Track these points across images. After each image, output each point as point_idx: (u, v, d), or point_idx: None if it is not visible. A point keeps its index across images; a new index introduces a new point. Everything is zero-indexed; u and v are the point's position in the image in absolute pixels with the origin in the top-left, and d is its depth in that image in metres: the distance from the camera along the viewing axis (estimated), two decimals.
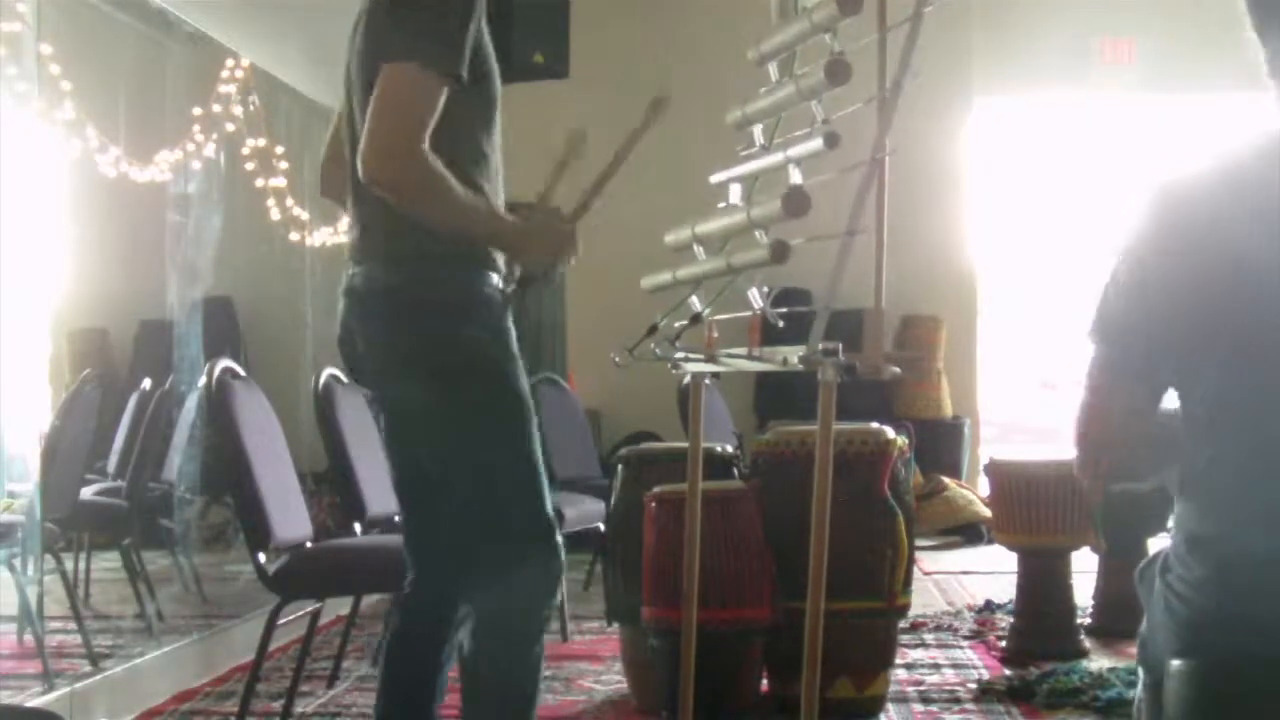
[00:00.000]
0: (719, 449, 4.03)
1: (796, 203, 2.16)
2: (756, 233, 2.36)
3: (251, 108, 6.08)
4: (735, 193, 2.61)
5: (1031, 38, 8.46)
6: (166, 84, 5.92)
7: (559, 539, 2.58)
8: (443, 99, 2.40)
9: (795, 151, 2.28)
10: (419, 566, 2.72)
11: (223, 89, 5.96)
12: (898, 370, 2.01)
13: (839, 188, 2.15)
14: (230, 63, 5.93)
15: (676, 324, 2.71)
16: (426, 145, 2.38)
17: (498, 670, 2.57)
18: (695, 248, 2.63)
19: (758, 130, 2.55)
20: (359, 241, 2.60)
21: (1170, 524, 1.83)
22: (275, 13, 5.65)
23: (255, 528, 3.36)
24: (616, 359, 2.76)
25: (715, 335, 2.70)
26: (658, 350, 2.75)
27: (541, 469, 2.57)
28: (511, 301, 2.60)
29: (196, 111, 5.87)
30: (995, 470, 4.62)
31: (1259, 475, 1.66)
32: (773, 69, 2.50)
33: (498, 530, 2.57)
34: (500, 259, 2.60)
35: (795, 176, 2.29)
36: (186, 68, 5.90)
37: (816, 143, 2.19)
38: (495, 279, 2.58)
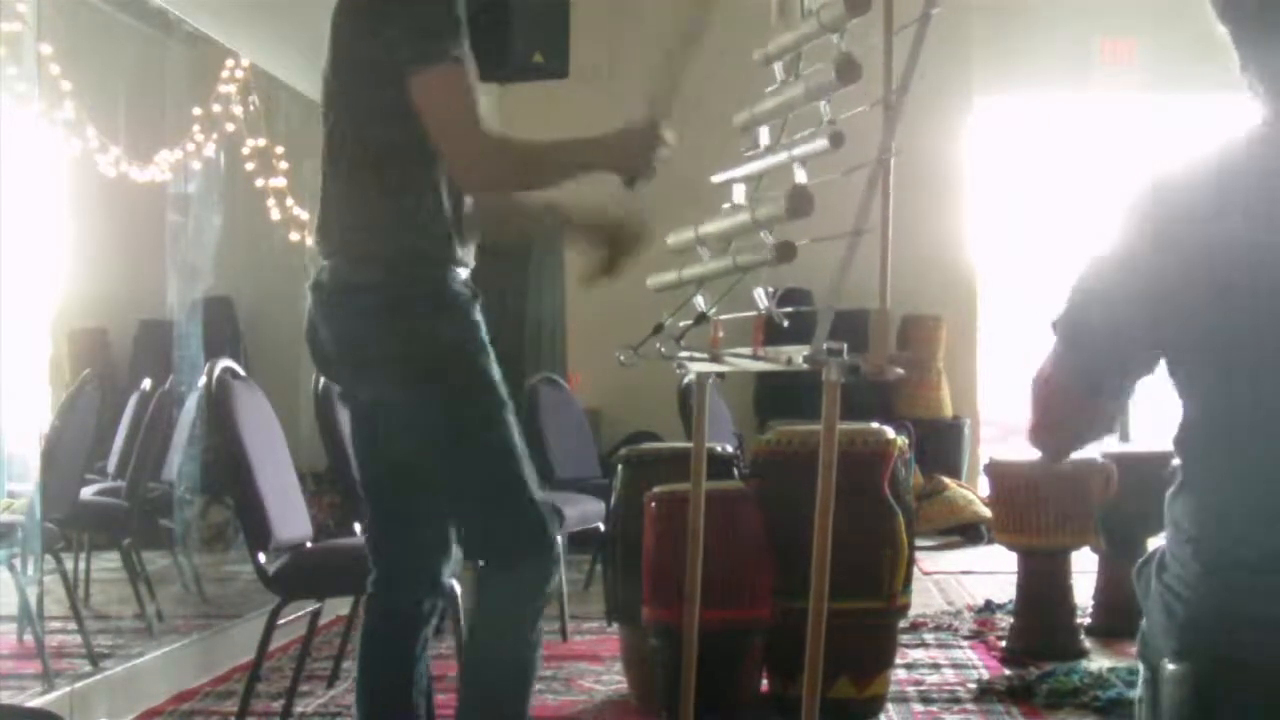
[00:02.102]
0: (719, 449, 4.03)
1: (800, 203, 2.16)
2: (761, 233, 2.36)
3: (251, 108, 6.08)
4: (739, 193, 2.62)
5: (1031, 38, 8.45)
6: (166, 84, 5.92)
7: (551, 528, 2.58)
8: (475, 79, 2.45)
9: (800, 151, 2.28)
10: (387, 561, 2.72)
11: (223, 89, 5.96)
12: (902, 371, 2.01)
13: (844, 188, 2.15)
14: (230, 63, 5.93)
15: (681, 323, 2.71)
16: (486, 125, 2.45)
17: (492, 659, 2.59)
18: (698, 248, 2.63)
19: (763, 131, 2.55)
20: (326, 236, 2.61)
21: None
22: (275, 13, 5.65)
23: (255, 528, 3.35)
24: (621, 358, 2.76)
25: (721, 335, 2.70)
26: (663, 349, 2.75)
27: (523, 457, 2.57)
28: (478, 291, 2.61)
29: (196, 111, 5.87)
30: (995, 470, 4.62)
31: (1254, 475, 1.65)
32: (778, 69, 2.50)
33: (485, 522, 2.57)
34: (466, 253, 2.61)
35: (800, 176, 2.29)
36: (186, 68, 5.90)
37: (821, 142, 2.19)
38: (462, 274, 2.59)
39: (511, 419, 2.58)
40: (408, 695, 2.68)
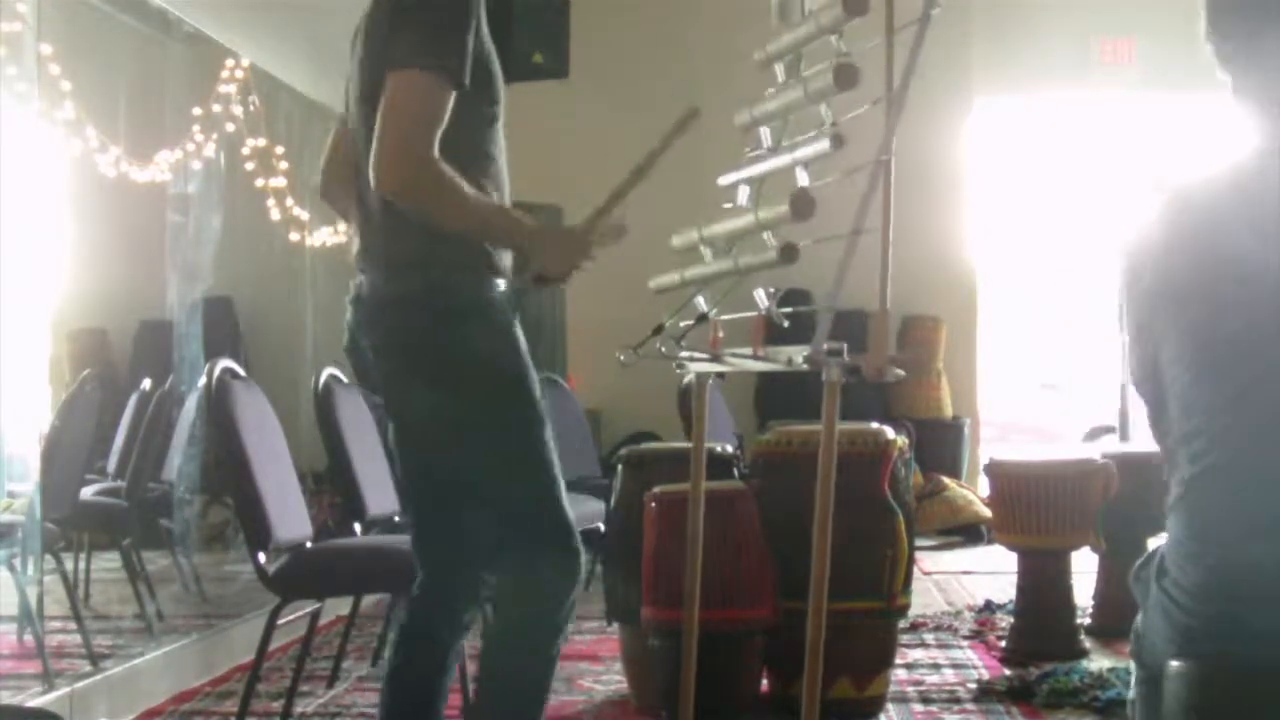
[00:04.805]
0: (719, 449, 4.03)
1: (803, 205, 2.16)
2: (765, 234, 2.36)
3: (251, 108, 6.08)
4: (742, 194, 2.62)
5: (1031, 38, 8.46)
6: (166, 84, 5.93)
7: (577, 539, 2.58)
8: (450, 102, 2.41)
9: (802, 153, 2.28)
10: (428, 568, 2.72)
11: (223, 89, 5.97)
12: (902, 373, 2.01)
13: (845, 189, 2.15)
14: (230, 63, 5.93)
15: (682, 324, 2.71)
16: (436, 150, 2.39)
17: (513, 666, 2.59)
18: (702, 249, 2.63)
19: (765, 132, 2.55)
20: (364, 249, 2.60)
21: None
22: (275, 13, 5.66)
23: (255, 528, 3.35)
24: (622, 357, 2.76)
25: (721, 335, 2.70)
26: (663, 349, 2.75)
27: (557, 470, 2.57)
28: (518, 302, 2.61)
29: (196, 111, 5.87)
30: (995, 470, 4.62)
31: (1250, 485, 1.65)
32: (779, 70, 2.50)
33: (514, 531, 2.58)
34: (506, 263, 2.61)
35: (802, 178, 2.29)
36: (186, 68, 5.91)
37: (823, 144, 2.19)
38: (500, 284, 2.59)
39: (547, 434, 2.57)
40: (434, 701, 2.69)
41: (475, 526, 2.68)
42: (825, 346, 2.01)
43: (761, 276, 2.42)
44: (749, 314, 2.50)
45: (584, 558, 2.60)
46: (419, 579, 2.73)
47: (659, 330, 2.72)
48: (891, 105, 2.03)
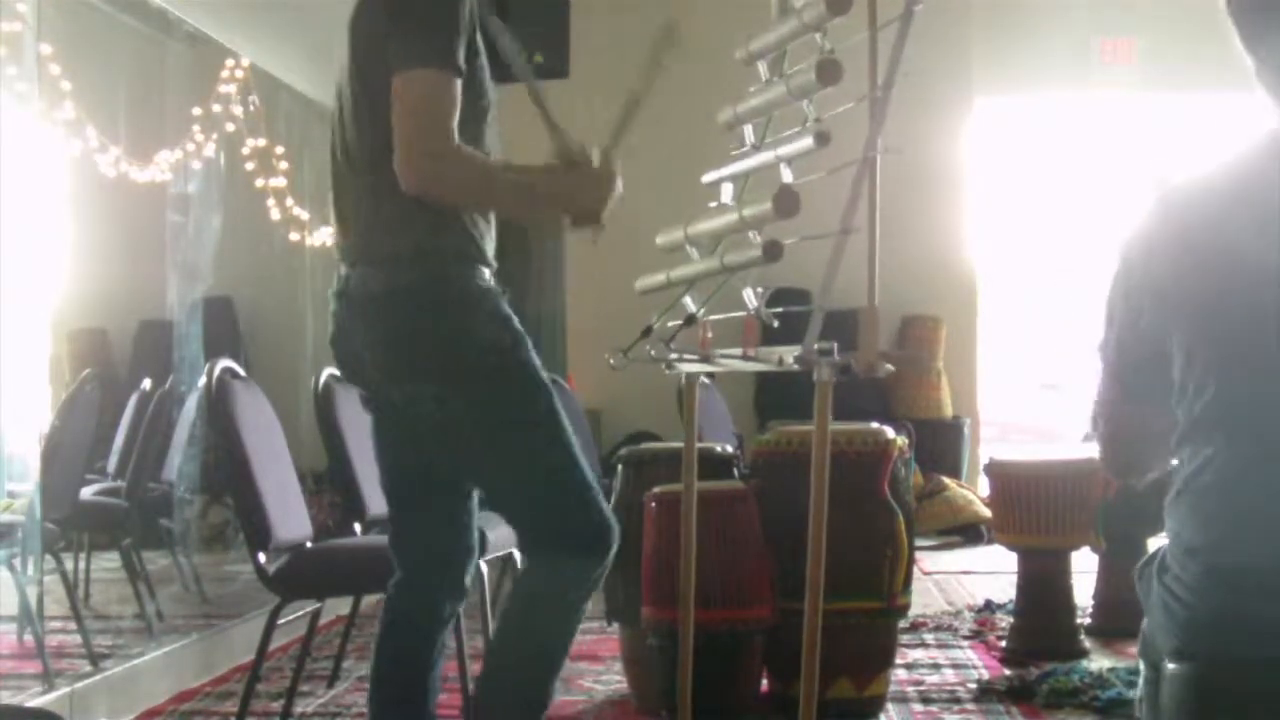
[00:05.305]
0: (719, 449, 4.03)
1: (786, 203, 2.15)
2: (750, 232, 2.35)
3: (251, 108, 6.09)
4: (727, 192, 2.61)
5: (1031, 38, 8.46)
6: (166, 84, 5.93)
7: (607, 510, 2.58)
8: (458, 91, 2.44)
9: (785, 150, 2.27)
10: (411, 564, 2.72)
11: (223, 89, 5.97)
12: (891, 368, 2.01)
13: (834, 187, 2.14)
14: (230, 63, 5.94)
15: (671, 324, 2.70)
16: (455, 140, 2.42)
17: (523, 641, 2.59)
18: (688, 248, 2.63)
19: (749, 130, 2.55)
20: (352, 243, 2.60)
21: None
22: (275, 13, 5.66)
23: (255, 528, 3.35)
24: (611, 361, 2.76)
25: (710, 335, 2.70)
26: (652, 351, 2.74)
27: (575, 445, 2.57)
28: (504, 292, 2.62)
29: (196, 111, 5.88)
30: (995, 470, 4.62)
31: (1250, 482, 1.66)
32: (763, 68, 2.50)
33: (544, 517, 2.57)
34: (490, 253, 2.62)
35: (786, 175, 2.28)
36: (186, 68, 5.91)
37: (806, 141, 2.18)
38: (487, 273, 2.60)
39: (559, 408, 2.57)
40: (422, 698, 2.68)
41: (467, 521, 2.70)
42: (815, 346, 2.01)
43: (751, 275, 2.41)
44: (738, 314, 2.50)
45: (615, 530, 2.59)
46: (396, 577, 2.73)
47: (648, 332, 2.71)
48: (876, 102, 2.02)
